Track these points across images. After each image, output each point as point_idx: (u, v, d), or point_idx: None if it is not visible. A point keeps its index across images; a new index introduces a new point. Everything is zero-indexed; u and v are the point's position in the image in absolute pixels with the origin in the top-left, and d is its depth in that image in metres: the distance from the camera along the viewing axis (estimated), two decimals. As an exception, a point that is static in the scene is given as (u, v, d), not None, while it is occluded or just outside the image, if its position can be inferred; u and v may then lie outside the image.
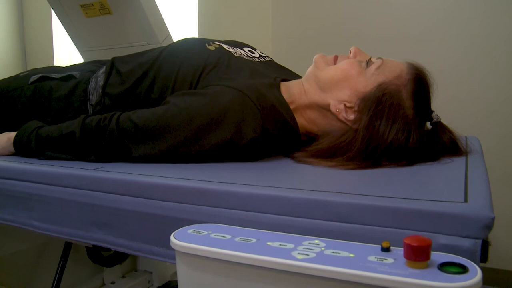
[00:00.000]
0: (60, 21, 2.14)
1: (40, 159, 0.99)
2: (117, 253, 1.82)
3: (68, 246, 1.63)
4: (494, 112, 2.08)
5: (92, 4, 1.90)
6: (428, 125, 0.96)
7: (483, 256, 0.50)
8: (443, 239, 0.52)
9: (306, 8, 2.63)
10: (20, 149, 1.03)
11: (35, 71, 1.32)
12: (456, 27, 2.24)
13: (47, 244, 1.70)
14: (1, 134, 1.10)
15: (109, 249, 1.34)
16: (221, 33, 2.62)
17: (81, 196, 0.82)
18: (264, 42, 2.73)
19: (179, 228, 0.58)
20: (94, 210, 0.80)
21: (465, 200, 0.57)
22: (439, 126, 0.95)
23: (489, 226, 0.50)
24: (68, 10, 2.02)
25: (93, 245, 0.84)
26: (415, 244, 0.44)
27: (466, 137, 1.11)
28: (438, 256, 0.46)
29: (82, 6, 1.94)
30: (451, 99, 2.10)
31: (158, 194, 0.72)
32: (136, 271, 2.07)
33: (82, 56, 2.20)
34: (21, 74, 1.35)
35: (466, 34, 2.21)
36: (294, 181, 0.76)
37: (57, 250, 1.64)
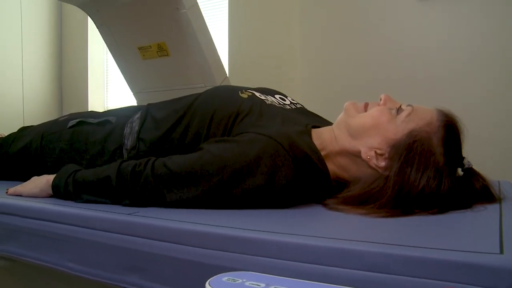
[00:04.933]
0: (116, 63, 2.18)
1: (77, 202, 1.02)
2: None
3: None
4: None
5: (150, 46, 1.93)
6: (460, 171, 0.95)
7: (522, 310, 0.49)
8: (479, 292, 0.51)
9: (336, 54, 2.67)
10: (58, 191, 1.06)
11: (73, 115, 1.38)
12: (485, 70, 2.23)
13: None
14: (40, 177, 1.13)
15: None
16: (250, 79, 2.68)
17: (116, 240, 0.83)
18: (293, 87, 2.76)
19: (214, 275, 0.59)
20: (128, 254, 0.81)
21: (501, 251, 0.56)
22: (470, 173, 0.95)
23: (527, 279, 0.50)
24: (125, 52, 2.05)
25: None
26: (451, 297, 0.44)
27: (499, 182, 1.09)
28: (474, 310, 0.46)
29: (139, 48, 1.98)
30: (482, 143, 2.08)
31: (193, 240, 0.73)
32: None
33: (136, 98, 2.23)
34: (60, 119, 1.41)
35: (495, 76, 2.20)
36: (328, 230, 0.76)
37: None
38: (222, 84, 1.80)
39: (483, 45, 2.24)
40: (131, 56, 2.03)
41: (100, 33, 2.11)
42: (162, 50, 1.91)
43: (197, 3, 1.88)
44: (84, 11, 2.14)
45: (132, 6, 1.91)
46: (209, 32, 1.92)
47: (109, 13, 2.02)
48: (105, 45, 3.84)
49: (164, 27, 1.87)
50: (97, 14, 2.08)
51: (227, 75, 1.94)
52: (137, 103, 2.20)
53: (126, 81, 2.21)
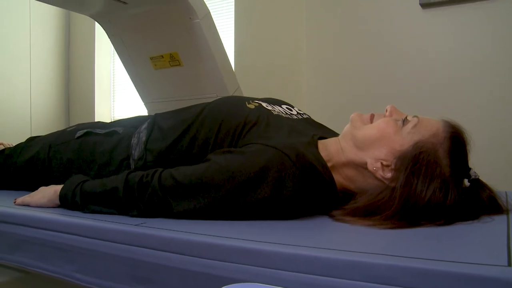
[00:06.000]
0: (128, 73, 2.16)
1: (84, 212, 1.02)
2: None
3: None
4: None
5: (162, 56, 1.91)
6: (466, 182, 0.95)
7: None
8: (486, 305, 0.51)
9: (342, 62, 2.67)
10: (65, 202, 1.07)
11: (81, 126, 1.39)
12: (491, 78, 2.23)
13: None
14: (48, 187, 1.14)
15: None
16: (256, 85, 2.68)
17: (123, 251, 0.83)
18: (299, 94, 2.77)
19: (221, 286, 0.59)
20: (135, 265, 0.81)
21: (509, 264, 0.56)
22: (477, 184, 0.94)
23: (535, 293, 0.50)
24: (136, 62, 2.03)
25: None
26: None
27: (506, 192, 1.09)
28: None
29: (151, 58, 1.97)
30: (489, 153, 2.07)
31: (200, 252, 0.73)
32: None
33: (147, 108, 2.22)
34: (67, 129, 1.42)
35: (501, 84, 2.19)
36: (335, 241, 0.76)
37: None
38: (235, 94, 1.79)
39: (488, 53, 2.24)
40: (143, 66, 2.03)
41: (112, 43, 2.12)
42: (174, 60, 1.90)
43: (209, 12, 1.87)
44: (96, 21, 2.14)
45: (144, 16, 1.91)
46: (221, 42, 1.91)
47: (121, 23, 2.02)
48: (112, 55, 3.89)
49: (177, 37, 1.86)
50: (109, 24, 2.08)
51: (239, 86, 1.92)
52: (148, 113, 2.19)
53: (138, 91, 2.20)
